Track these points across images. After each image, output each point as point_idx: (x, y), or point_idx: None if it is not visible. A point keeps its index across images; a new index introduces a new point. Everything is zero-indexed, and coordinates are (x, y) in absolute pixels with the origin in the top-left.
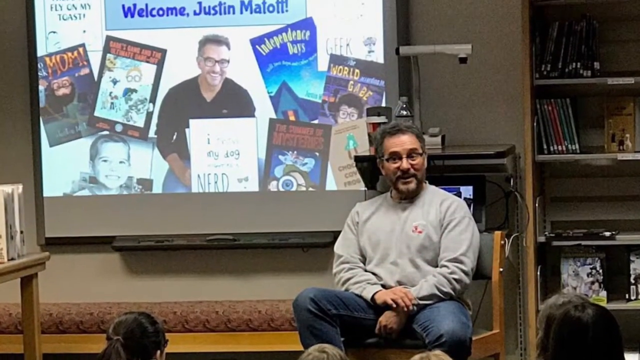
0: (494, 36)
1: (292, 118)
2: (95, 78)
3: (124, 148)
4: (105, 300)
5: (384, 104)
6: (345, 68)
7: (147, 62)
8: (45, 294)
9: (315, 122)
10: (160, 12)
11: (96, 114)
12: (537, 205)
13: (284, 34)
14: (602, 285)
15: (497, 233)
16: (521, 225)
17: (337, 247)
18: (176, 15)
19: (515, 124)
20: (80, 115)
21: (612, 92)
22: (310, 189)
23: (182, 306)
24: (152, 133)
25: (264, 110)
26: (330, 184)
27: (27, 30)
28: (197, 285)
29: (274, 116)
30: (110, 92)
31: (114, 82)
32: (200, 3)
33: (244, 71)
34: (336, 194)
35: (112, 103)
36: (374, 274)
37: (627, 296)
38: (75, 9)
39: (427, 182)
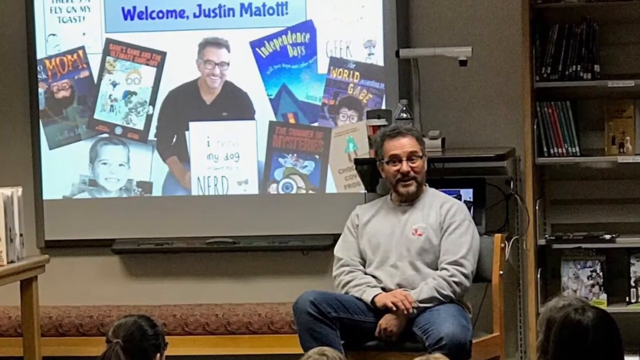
0: (494, 39)
1: (292, 121)
2: (95, 81)
3: (124, 151)
4: (105, 303)
5: (384, 107)
6: (345, 71)
7: (147, 64)
8: (44, 296)
9: (315, 124)
10: (160, 15)
11: (96, 116)
12: (537, 208)
13: (283, 36)
14: (602, 288)
15: (497, 236)
16: (521, 228)
17: (337, 250)
18: (176, 17)
19: (516, 127)
20: (79, 118)
21: (612, 94)
22: (310, 191)
23: (182, 309)
24: (151, 136)
25: (264, 112)
26: (330, 187)
27: (26, 33)
28: (197, 288)
29: (273, 119)
30: (110, 95)
31: (114, 84)
32: (200, 5)
33: (244, 74)
34: (336, 196)
35: (111, 106)
36: (374, 276)
37: (627, 299)
38: (75, 11)
39: (427, 184)
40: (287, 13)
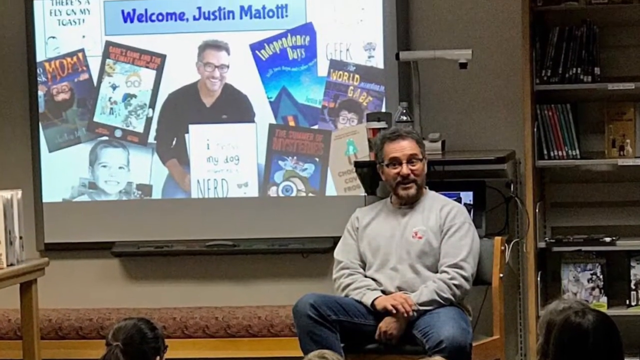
0: (494, 41)
1: (291, 123)
2: (95, 83)
3: (124, 153)
4: (104, 306)
5: (384, 110)
6: (345, 73)
7: (147, 67)
8: (44, 299)
9: (315, 127)
10: (160, 18)
11: (95, 119)
12: (537, 210)
13: (283, 39)
14: (602, 291)
15: (497, 239)
16: (521, 231)
17: (337, 253)
18: (176, 20)
19: (516, 130)
20: (79, 121)
21: (612, 97)
22: (310, 194)
23: (182, 312)
24: (151, 138)
25: (264, 115)
26: (330, 190)
27: (26, 36)
28: (197, 291)
29: (273, 121)
30: (110, 98)
31: (114, 87)
32: (199, 8)
33: (244, 76)
34: (336, 199)
35: (111, 108)
36: (373, 279)
37: (627, 302)
38: (75, 14)
39: (427, 187)
40: (287, 15)
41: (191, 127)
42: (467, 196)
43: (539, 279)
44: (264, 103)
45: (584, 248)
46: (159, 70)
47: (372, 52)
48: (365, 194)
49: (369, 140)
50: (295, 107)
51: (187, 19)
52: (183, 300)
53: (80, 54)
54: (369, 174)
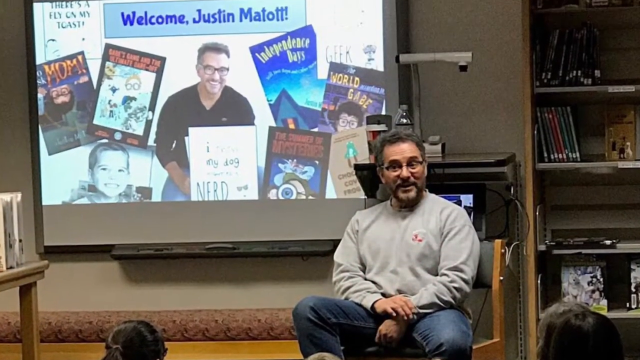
0: (494, 44)
1: (291, 126)
2: (95, 86)
3: (123, 156)
4: (104, 309)
5: (384, 112)
6: (345, 76)
7: (147, 70)
8: (44, 302)
9: (315, 130)
10: (160, 20)
11: (95, 122)
12: (537, 213)
13: (283, 41)
14: (602, 294)
15: (498, 241)
16: (521, 234)
17: (337, 256)
18: (175, 23)
19: (516, 132)
20: (79, 124)
21: (612, 100)
22: (310, 197)
23: (182, 315)
24: (151, 141)
25: (264, 118)
26: (330, 192)
27: (26, 38)
28: (197, 294)
29: (273, 124)
30: (110, 100)
31: (113, 90)
32: (199, 11)
33: (244, 79)
34: (336, 202)
35: (111, 111)
36: (373, 282)
37: (627, 305)
38: (75, 16)
39: (427, 190)
40: (286, 18)
41: (191, 129)
42: (467, 199)
43: (539, 281)
44: (263, 106)
45: (584, 251)
46: (159, 73)
47: (372, 55)
48: (365, 197)
49: (368, 143)
50: (295, 110)
51: (187, 22)
52: (183, 303)
53: (80, 57)
54: (369, 177)
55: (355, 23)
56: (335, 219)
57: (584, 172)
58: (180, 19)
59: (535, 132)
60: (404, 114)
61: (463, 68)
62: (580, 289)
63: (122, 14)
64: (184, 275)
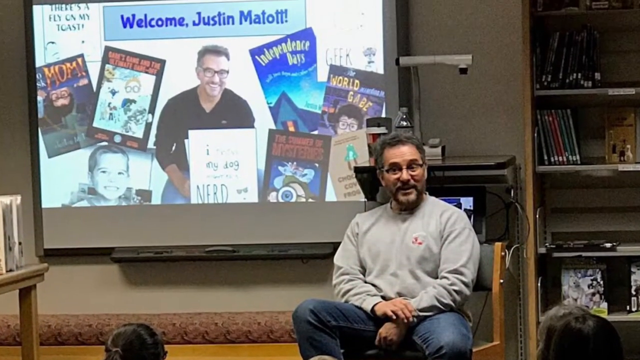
0: (494, 47)
1: (291, 129)
2: (94, 89)
3: (123, 159)
4: (104, 311)
5: (383, 115)
6: (345, 79)
7: (146, 72)
8: (43, 305)
9: (315, 132)
10: (159, 23)
11: (95, 124)
12: (537, 216)
13: (283, 44)
14: (603, 297)
15: (498, 244)
16: (522, 237)
17: (337, 259)
18: (175, 25)
19: (516, 135)
20: (78, 126)
21: (612, 102)
22: (310, 200)
23: (181, 318)
24: (151, 144)
25: (264, 121)
26: (330, 195)
27: (25, 41)
28: (197, 297)
29: (273, 127)
30: (109, 103)
31: (113, 92)
32: (199, 13)
33: (244, 82)
34: (336, 205)
35: (110, 114)
36: (373, 285)
37: (628, 308)
38: (74, 19)
39: (427, 193)
40: (286, 21)
41: (191, 132)
42: (467, 202)
43: (539, 284)
44: (263, 108)
45: (584, 254)
46: (159, 76)
47: (372, 58)
48: (365, 200)
49: (368, 146)
50: (295, 113)
51: (187, 24)
52: (183, 306)
53: (79, 59)
54: (369, 180)
55: (355, 25)
56: (335, 222)
57: (584, 175)
58: (180, 22)
59: (536, 134)
60: (404, 116)
61: (463, 71)
62: (580, 292)
63: (122, 17)
64: (184, 278)
